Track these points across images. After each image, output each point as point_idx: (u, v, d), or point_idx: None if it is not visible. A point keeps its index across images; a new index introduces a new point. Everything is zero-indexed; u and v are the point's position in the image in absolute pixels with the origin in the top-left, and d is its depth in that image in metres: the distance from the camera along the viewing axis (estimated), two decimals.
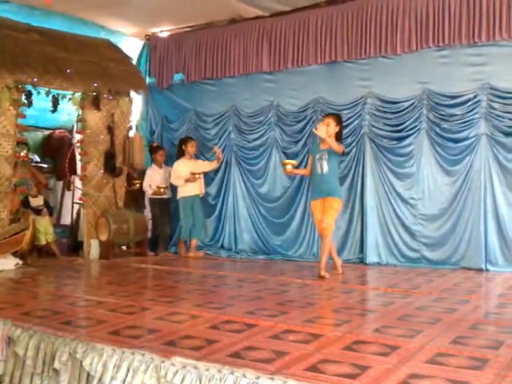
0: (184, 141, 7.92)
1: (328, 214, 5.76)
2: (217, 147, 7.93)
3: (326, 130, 5.73)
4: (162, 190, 7.92)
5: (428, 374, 2.58)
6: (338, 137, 5.90)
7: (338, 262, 6.12)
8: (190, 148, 7.83)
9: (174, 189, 8.09)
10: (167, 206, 8.26)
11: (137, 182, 8.13)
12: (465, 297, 4.71)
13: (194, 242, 7.81)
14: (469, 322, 3.72)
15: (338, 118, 6.00)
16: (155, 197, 8.05)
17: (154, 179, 8.03)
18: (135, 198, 8.26)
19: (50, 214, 7.51)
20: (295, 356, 2.87)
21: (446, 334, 3.33)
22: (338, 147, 5.74)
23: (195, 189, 7.76)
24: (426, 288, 5.18)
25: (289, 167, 6.08)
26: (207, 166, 7.99)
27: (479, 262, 6.33)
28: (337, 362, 2.77)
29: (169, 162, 8.31)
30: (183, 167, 7.73)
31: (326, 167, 5.79)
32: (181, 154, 7.87)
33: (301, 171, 6.47)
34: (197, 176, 7.66)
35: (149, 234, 8.17)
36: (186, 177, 7.66)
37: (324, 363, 2.74)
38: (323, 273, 5.70)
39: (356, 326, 3.59)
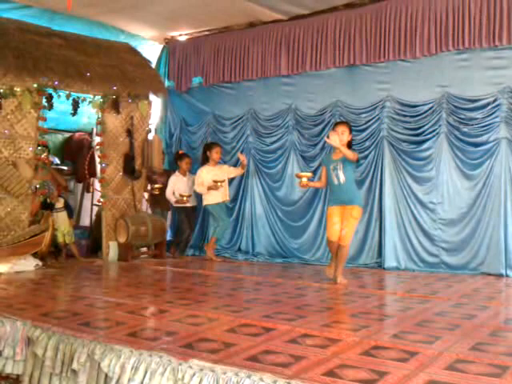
0: (209, 146, 7.86)
1: (348, 223, 5.58)
2: (242, 154, 7.89)
3: (339, 138, 5.52)
4: (184, 198, 7.84)
5: (447, 381, 2.55)
6: (350, 145, 5.71)
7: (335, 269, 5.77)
8: (215, 154, 7.75)
9: (198, 196, 8.10)
10: (193, 213, 8.26)
11: (157, 186, 8.06)
12: (484, 303, 4.66)
13: (213, 240, 7.78)
14: (489, 328, 3.68)
15: (350, 126, 5.81)
16: (178, 205, 8.03)
17: (176, 187, 7.98)
18: (161, 199, 8.22)
19: (70, 215, 7.58)
20: (313, 360, 2.86)
21: (466, 341, 3.29)
22: (352, 155, 5.54)
23: (218, 197, 7.69)
24: (445, 293, 5.13)
25: (304, 180, 5.79)
26: (232, 172, 7.96)
27: (499, 268, 6.26)
28: (355, 367, 2.75)
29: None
30: (206, 175, 7.68)
31: (342, 177, 5.58)
32: (205, 159, 7.83)
33: (315, 184, 6.25)
34: (219, 184, 7.55)
35: (167, 237, 8.23)
36: (208, 184, 7.61)
37: (342, 368, 2.73)
38: (340, 279, 5.61)
39: (374, 331, 3.57)
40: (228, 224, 7.88)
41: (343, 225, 5.60)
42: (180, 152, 8.45)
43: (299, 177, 5.91)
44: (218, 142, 8.14)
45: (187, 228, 8.16)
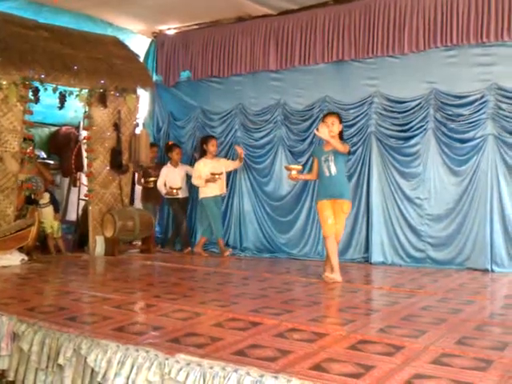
0: (205, 140, 7.81)
1: (340, 219, 5.48)
2: (239, 146, 7.82)
3: (329, 130, 5.36)
4: (174, 191, 7.88)
5: (432, 375, 2.57)
6: (341, 136, 5.60)
7: (334, 273, 5.46)
8: (211, 147, 7.70)
9: (193, 189, 8.12)
10: (184, 205, 8.27)
11: (151, 180, 8.08)
12: (470, 297, 4.70)
13: (203, 240, 7.81)
14: (474, 322, 3.71)
15: (340, 117, 5.66)
16: (170, 197, 8.06)
17: (168, 178, 8.01)
18: (153, 194, 8.22)
19: (56, 210, 7.53)
20: (299, 355, 2.87)
21: (451, 335, 3.32)
22: (343, 147, 5.41)
23: (215, 189, 7.67)
24: (431, 288, 5.16)
25: (294, 173, 5.66)
26: (229, 165, 7.90)
27: (485, 263, 6.31)
28: (341, 361, 2.76)
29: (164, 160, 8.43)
30: (204, 167, 7.65)
31: (333, 169, 5.43)
32: (202, 153, 7.78)
33: (306, 176, 6.19)
34: (217, 176, 7.56)
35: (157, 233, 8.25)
36: (206, 177, 7.59)
37: (328, 362, 2.74)
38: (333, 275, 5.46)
39: (361, 326, 3.58)
40: (220, 220, 7.80)
41: (336, 220, 5.46)
42: (170, 143, 8.44)
43: (289, 169, 5.77)
44: (214, 135, 8.08)
45: (183, 220, 8.15)
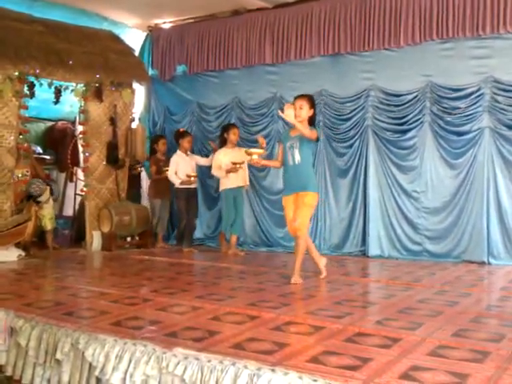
0: (226, 128, 7.43)
1: (300, 212, 4.97)
2: (260, 136, 7.12)
3: (295, 113, 4.96)
4: (192, 178, 7.46)
5: (429, 367, 2.58)
6: (312, 122, 5.14)
7: (322, 263, 5.34)
8: (232, 136, 7.25)
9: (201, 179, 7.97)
10: (194, 197, 7.83)
11: (167, 168, 7.65)
12: (467, 290, 4.71)
13: (234, 239, 7.34)
14: (470, 314, 3.72)
15: (312, 100, 5.15)
16: (182, 187, 7.56)
17: (180, 167, 7.56)
18: (161, 189, 7.94)
19: (55, 199, 7.50)
20: (297, 348, 2.87)
21: (448, 327, 3.33)
22: (309, 133, 4.94)
23: (238, 180, 7.24)
24: (428, 281, 5.18)
25: (255, 157, 5.16)
26: None
27: (481, 256, 6.33)
28: (338, 353, 2.77)
29: (169, 153, 8.32)
30: (224, 157, 7.19)
31: (297, 157, 5.00)
32: (222, 142, 7.40)
33: (269, 162, 5.74)
34: (238, 166, 7.04)
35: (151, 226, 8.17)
36: (227, 167, 7.17)
37: (325, 355, 2.74)
38: (294, 278, 4.99)
39: (358, 319, 3.59)
40: (228, 220, 7.31)
41: (295, 214, 5.00)
42: (181, 130, 8.04)
43: (249, 154, 5.27)
44: (235, 124, 7.74)
45: (185, 217, 7.67)
